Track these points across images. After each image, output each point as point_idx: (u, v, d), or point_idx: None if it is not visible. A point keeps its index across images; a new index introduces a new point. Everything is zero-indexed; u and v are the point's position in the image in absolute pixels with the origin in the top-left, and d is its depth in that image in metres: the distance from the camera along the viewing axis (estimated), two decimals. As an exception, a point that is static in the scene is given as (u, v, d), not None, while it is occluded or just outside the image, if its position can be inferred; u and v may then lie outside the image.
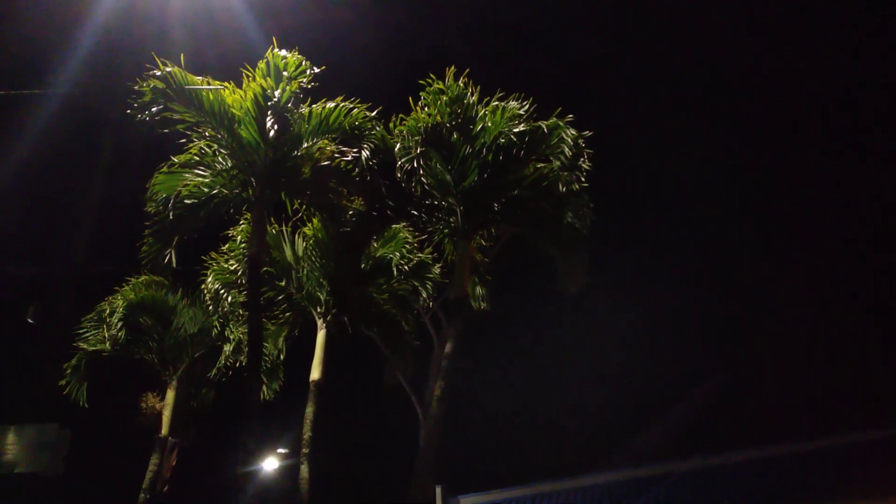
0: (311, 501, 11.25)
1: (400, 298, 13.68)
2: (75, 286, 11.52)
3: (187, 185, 10.81)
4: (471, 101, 10.87)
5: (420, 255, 13.22)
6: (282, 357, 14.31)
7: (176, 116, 10.35)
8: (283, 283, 13.20)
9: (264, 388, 14.45)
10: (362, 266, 12.98)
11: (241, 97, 10.24)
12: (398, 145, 10.95)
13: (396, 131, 11.23)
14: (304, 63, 10.45)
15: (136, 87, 10.06)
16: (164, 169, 10.81)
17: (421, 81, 10.90)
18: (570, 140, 10.69)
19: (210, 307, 13.30)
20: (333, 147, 11.06)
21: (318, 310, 12.78)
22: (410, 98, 11.06)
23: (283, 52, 10.35)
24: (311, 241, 12.87)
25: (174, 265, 11.24)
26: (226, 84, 10.24)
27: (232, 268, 12.89)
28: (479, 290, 13.06)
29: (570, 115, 11.02)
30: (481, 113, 10.94)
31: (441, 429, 10.35)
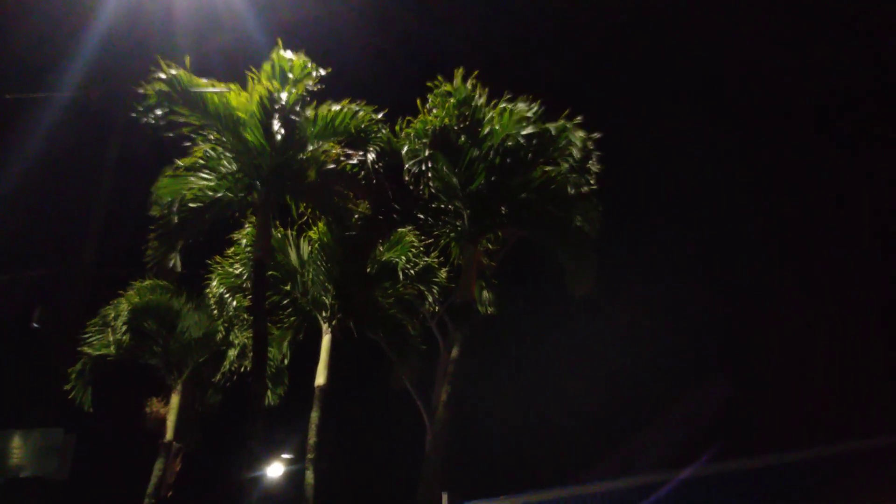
0: (317, 507, 11.16)
1: (406, 303, 13.59)
2: (81, 290, 11.46)
3: (192, 188, 10.74)
4: (478, 104, 10.76)
5: (426, 258, 13.12)
6: (287, 362, 14.23)
7: (181, 119, 10.27)
8: (288, 288, 13.12)
9: (269, 392, 14.38)
10: (368, 270, 12.89)
11: (247, 100, 10.16)
12: (405, 148, 10.86)
13: (403, 134, 11.14)
14: (309, 65, 10.36)
15: (140, 90, 10.01)
16: (169, 172, 10.74)
17: (428, 84, 10.81)
18: (578, 142, 10.58)
19: (215, 311, 13.24)
20: (339, 150, 10.97)
21: (324, 314, 12.70)
22: (418, 100, 10.97)
23: (289, 55, 10.27)
24: (317, 245, 12.80)
25: (179, 269, 11.18)
26: (231, 86, 10.17)
27: (237, 272, 12.82)
28: (485, 294, 12.95)
29: (579, 118, 10.90)
30: (489, 115, 10.82)
31: (447, 434, 10.22)
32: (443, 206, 11.62)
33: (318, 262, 12.75)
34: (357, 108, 10.66)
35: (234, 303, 12.91)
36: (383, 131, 11.06)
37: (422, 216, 11.87)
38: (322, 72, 10.42)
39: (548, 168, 11.23)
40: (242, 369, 14.66)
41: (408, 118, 11.14)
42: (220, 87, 10.06)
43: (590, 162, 10.67)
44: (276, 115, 9.99)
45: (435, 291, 13.25)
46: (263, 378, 10.47)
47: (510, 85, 10.98)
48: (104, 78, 11.46)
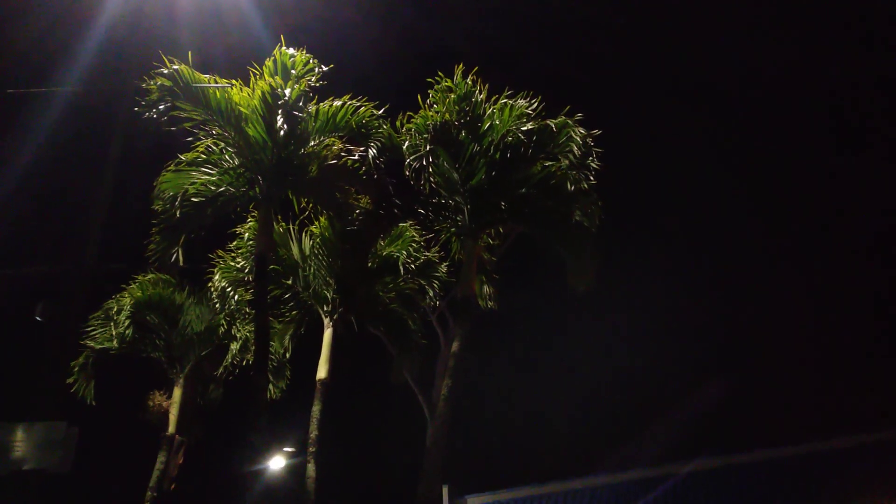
0: (318, 500, 11.23)
1: (407, 297, 13.64)
2: (84, 284, 11.51)
3: (194, 183, 10.81)
4: (479, 99, 10.81)
5: (427, 253, 13.17)
6: (288, 355, 14.29)
7: (183, 114, 10.34)
8: (289, 282, 13.19)
9: (271, 386, 14.45)
10: (369, 264, 12.94)
11: (249, 95, 10.23)
12: (406, 143, 10.91)
13: (404, 129, 11.19)
14: (311, 61, 10.44)
15: (143, 86, 10.06)
16: (172, 167, 10.81)
17: (429, 79, 10.86)
18: (578, 139, 10.61)
19: (217, 305, 13.29)
20: (340, 145, 11.03)
21: (325, 308, 12.76)
22: (419, 96, 11.02)
23: (291, 51, 10.33)
24: (318, 240, 12.85)
25: (181, 263, 11.24)
26: (233, 82, 10.22)
27: (239, 266, 12.87)
28: (486, 288, 13.00)
29: (579, 114, 10.94)
30: (489, 111, 10.87)
31: (448, 428, 10.30)
32: (443, 201, 11.68)
33: (320, 257, 12.80)
34: (358, 104, 10.73)
35: (237, 297, 12.97)
36: (384, 127, 11.12)
37: (422, 211, 11.92)
38: (324, 68, 10.49)
39: (548, 164, 11.28)
40: (244, 363, 14.73)
41: (409, 114, 11.20)
42: (222, 83, 10.11)
43: (590, 158, 10.70)
44: (279, 111, 10.03)
45: (436, 286, 13.31)
46: (265, 372, 10.54)
47: (510, 81, 11.04)
48: (107, 73, 11.47)
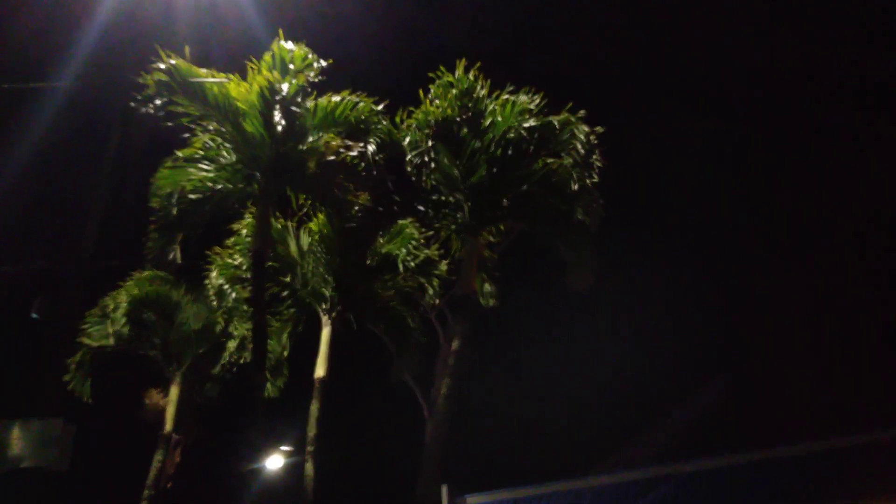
0: (316, 499, 11.17)
1: (406, 295, 13.56)
2: (80, 281, 11.43)
3: (191, 179, 10.73)
4: (480, 95, 10.70)
5: (427, 251, 13.07)
6: (286, 354, 14.20)
7: (180, 110, 10.25)
8: (287, 279, 13.09)
9: (268, 384, 14.36)
10: (368, 262, 12.86)
11: (247, 90, 10.11)
12: (406, 139, 10.81)
13: (404, 125, 11.09)
14: (310, 56, 10.31)
15: (140, 80, 9.96)
16: (168, 164, 10.74)
17: (430, 74, 10.75)
18: (581, 136, 10.50)
19: (214, 303, 13.22)
20: (339, 141, 10.94)
21: (324, 306, 12.68)
22: (420, 91, 10.91)
23: (290, 45, 10.20)
24: (317, 237, 12.76)
25: (178, 260, 11.18)
26: (231, 77, 10.11)
27: (236, 263, 12.78)
28: (486, 286, 12.90)
29: (582, 111, 10.83)
30: (491, 107, 10.75)
31: (447, 427, 10.22)
32: (443, 198, 11.58)
33: (318, 254, 12.72)
34: (357, 100, 10.64)
35: (234, 294, 12.90)
36: (384, 123, 11.03)
37: (422, 208, 11.82)
38: (323, 63, 10.37)
39: (550, 161, 11.18)
40: (242, 361, 14.66)
41: (409, 109, 11.08)
42: (219, 78, 10.02)
43: (593, 156, 10.59)
44: (277, 106, 9.95)
45: (435, 284, 13.23)
46: (263, 370, 10.48)
47: (513, 77, 10.93)
48: (103, 68, 11.39)
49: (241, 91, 10.09)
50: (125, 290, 14.24)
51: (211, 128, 10.65)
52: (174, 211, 10.55)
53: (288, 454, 15.86)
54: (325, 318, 12.58)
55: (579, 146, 10.45)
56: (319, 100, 10.59)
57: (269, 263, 12.26)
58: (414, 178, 10.61)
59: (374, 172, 10.99)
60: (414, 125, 10.82)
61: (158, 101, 9.94)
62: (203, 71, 10.00)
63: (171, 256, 10.95)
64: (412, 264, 12.84)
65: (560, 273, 11.69)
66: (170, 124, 10.33)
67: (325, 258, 12.66)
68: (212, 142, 10.85)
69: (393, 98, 11.08)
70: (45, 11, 11.88)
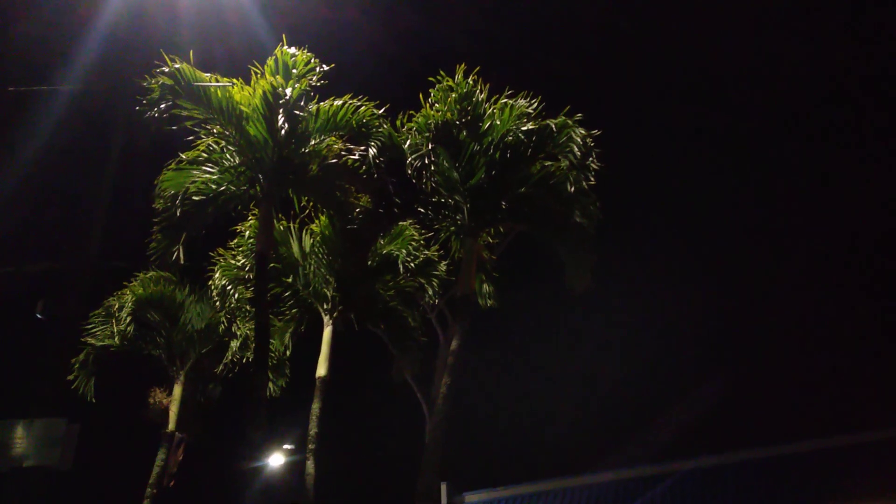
0: (317, 497, 11.28)
1: (406, 295, 13.68)
2: (85, 281, 11.55)
3: (195, 181, 10.85)
4: (479, 99, 10.86)
5: (427, 252, 13.19)
6: (288, 353, 14.33)
7: (184, 113, 10.37)
8: (290, 280, 13.23)
9: (270, 384, 14.48)
10: (369, 263, 12.99)
11: (250, 94, 10.25)
12: (407, 142, 10.96)
13: (405, 129, 11.24)
14: (313, 61, 10.46)
15: (144, 84, 10.09)
16: (173, 166, 10.85)
17: (430, 79, 10.91)
18: (578, 139, 10.64)
19: (217, 303, 13.32)
20: (341, 144, 11.08)
21: (325, 306, 12.81)
22: (420, 95, 11.06)
23: (293, 50, 10.36)
24: (318, 238, 12.89)
25: (182, 261, 11.28)
26: (234, 81, 10.25)
27: (239, 263, 12.92)
28: (485, 287, 13.05)
29: (579, 114, 10.98)
30: (490, 111, 10.92)
31: (447, 426, 10.35)
32: (443, 200, 11.73)
33: (320, 255, 12.85)
34: (359, 104, 10.77)
35: (237, 294, 12.99)
36: (385, 126, 11.16)
37: (422, 210, 11.97)
38: (325, 67, 10.52)
39: (547, 164, 11.34)
40: (244, 361, 14.76)
41: (409, 112, 11.24)
42: (223, 82, 10.14)
43: (590, 159, 10.73)
44: (280, 110, 10.06)
45: (435, 284, 13.34)
46: (265, 369, 10.58)
47: (511, 81, 11.09)
48: (108, 72, 11.52)
49: (244, 95, 10.24)
50: (129, 290, 14.33)
51: (215, 131, 10.78)
52: (178, 212, 10.65)
53: (289, 452, 15.99)
54: (326, 318, 12.71)
55: (576, 149, 10.58)
56: (322, 104, 10.73)
57: (272, 264, 12.41)
58: (414, 181, 10.74)
59: (376, 175, 11.12)
60: (414, 129, 10.98)
61: (163, 105, 10.07)
62: (207, 75, 10.13)
63: (174, 257, 11.06)
64: (412, 265, 12.97)
65: (558, 274, 11.84)
66: (174, 127, 10.45)
67: (326, 259, 12.80)
68: (215, 145, 10.98)
69: (394, 102, 11.25)
70: (51, 16, 12.02)
